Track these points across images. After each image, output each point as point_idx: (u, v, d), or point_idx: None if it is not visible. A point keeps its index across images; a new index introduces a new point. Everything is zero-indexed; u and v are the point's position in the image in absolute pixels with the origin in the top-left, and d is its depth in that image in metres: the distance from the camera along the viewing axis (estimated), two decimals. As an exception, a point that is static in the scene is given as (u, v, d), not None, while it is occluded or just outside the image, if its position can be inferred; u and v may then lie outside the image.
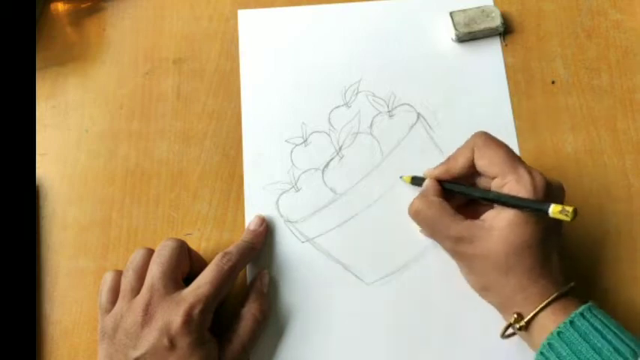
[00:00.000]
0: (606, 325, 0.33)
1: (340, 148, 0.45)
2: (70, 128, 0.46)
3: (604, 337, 0.32)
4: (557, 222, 0.36)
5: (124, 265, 0.42)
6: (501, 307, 0.37)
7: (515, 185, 0.35)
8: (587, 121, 0.46)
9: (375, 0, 0.49)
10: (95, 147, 0.45)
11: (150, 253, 0.38)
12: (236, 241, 0.42)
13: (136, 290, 0.37)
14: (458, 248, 0.37)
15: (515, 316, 0.35)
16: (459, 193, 0.39)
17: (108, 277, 0.39)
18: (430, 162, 0.40)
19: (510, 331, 0.36)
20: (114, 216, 0.44)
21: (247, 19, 0.48)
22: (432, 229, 0.38)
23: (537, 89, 0.47)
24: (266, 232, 0.42)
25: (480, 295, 0.38)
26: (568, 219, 0.33)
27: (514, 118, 0.46)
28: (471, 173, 0.39)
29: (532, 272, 0.35)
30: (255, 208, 0.43)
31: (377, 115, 0.46)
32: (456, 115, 0.46)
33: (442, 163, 0.40)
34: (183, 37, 0.48)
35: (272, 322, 0.41)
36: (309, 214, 0.43)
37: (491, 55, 0.48)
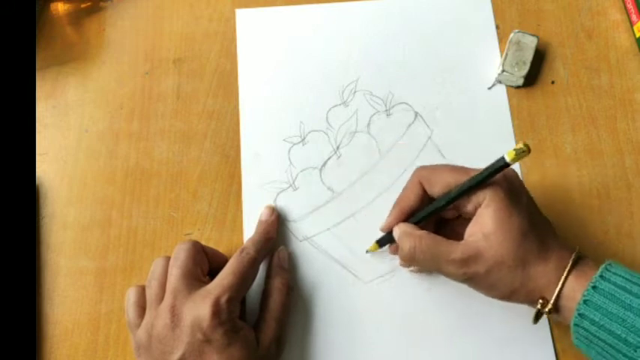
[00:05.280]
0: (629, 280, 0.33)
1: (338, 147, 0.45)
2: (69, 128, 0.46)
3: (630, 292, 0.32)
4: (522, 191, 0.36)
5: (123, 265, 0.42)
6: (528, 300, 0.35)
7: (486, 187, 0.35)
8: (587, 121, 0.46)
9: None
10: (95, 147, 0.45)
11: (168, 260, 0.38)
12: (237, 241, 0.42)
13: (161, 298, 0.36)
14: (468, 270, 0.35)
15: (541, 301, 0.34)
16: (428, 216, 0.38)
17: (131, 293, 0.38)
18: (428, 161, 0.40)
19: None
20: (114, 216, 0.44)
21: (245, 18, 0.48)
22: (433, 261, 0.36)
23: (537, 89, 0.47)
24: (277, 220, 0.43)
25: (507, 301, 0.36)
26: (527, 153, 0.32)
27: (512, 117, 0.46)
28: (423, 208, 0.38)
29: (541, 253, 0.35)
30: (253, 207, 0.43)
31: (375, 114, 0.46)
32: (453, 115, 0.46)
33: (394, 208, 0.39)
34: (183, 37, 0.48)
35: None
36: (306, 213, 0.43)
37: (489, 54, 0.48)
